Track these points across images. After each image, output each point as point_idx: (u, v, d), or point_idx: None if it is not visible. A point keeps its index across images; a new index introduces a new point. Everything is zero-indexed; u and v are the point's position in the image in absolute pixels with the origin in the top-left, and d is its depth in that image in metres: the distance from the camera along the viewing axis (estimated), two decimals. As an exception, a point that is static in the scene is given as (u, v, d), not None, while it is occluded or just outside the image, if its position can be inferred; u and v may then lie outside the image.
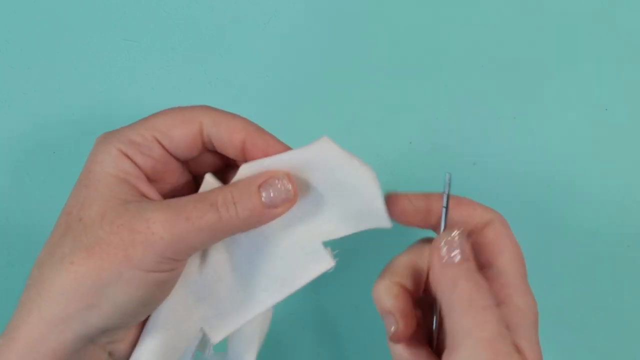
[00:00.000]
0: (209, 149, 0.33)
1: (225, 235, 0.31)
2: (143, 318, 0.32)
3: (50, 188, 0.46)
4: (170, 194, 0.33)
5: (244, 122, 0.32)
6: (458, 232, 0.31)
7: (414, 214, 0.34)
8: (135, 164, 0.31)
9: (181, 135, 0.31)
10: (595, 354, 0.45)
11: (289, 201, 0.31)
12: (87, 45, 0.48)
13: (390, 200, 0.33)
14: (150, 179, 0.32)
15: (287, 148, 0.32)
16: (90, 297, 0.29)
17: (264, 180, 0.31)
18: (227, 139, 0.32)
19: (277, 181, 0.31)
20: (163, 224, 0.29)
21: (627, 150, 0.48)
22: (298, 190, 0.32)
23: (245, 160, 0.32)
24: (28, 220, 0.45)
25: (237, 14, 0.49)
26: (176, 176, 0.33)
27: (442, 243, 0.31)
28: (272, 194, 0.31)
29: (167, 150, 0.32)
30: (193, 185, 0.35)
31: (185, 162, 0.34)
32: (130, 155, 0.31)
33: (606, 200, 0.47)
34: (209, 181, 0.33)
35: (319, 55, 0.49)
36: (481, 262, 0.33)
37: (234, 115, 0.32)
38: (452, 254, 0.31)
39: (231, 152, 0.32)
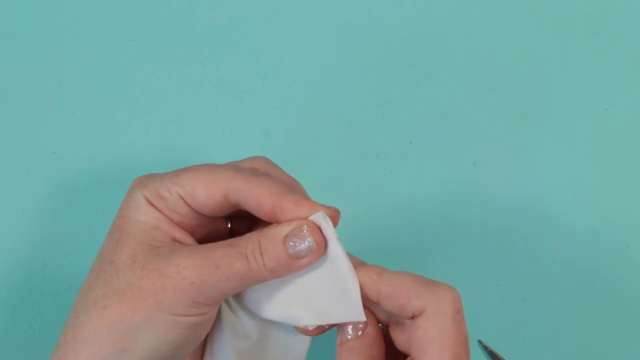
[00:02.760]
0: (236, 209, 0.33)
1: (254, 283, 0.31)
2: None
3: (50, 188, 0.46)
4: (208, 239, 0.33)
5: (270, 186, 0.31)
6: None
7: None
8: (163, 214, 0.31)
9: (204, 197, 0.31)
10: (595, 354, 0.45)
11: (315, 252, 0.31)
12: (87, 45, 0.48)
13: None
14: (183, 228, 0.32)
15: (315, 205, 0.32)
16: (123, 341, 0.29)
17: (291, 231, 0.31)
18: (256, 207, 0.31)
19: (303, 232, 0.31)
20: (192, 270, 0.29)
21: (627, 150, 0.48)
22: (324, 240, 0.32)
23: (277, 221, 0.32)
24: (28, 220, 0.45)
25: (237, 14, 0.49)
26: (209, 226, 0.33)
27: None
28: (298, 245, 0.31)
29: (192, 208, 0.32)
30: (229, 231, 0.35)
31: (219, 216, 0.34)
32: (157, 207, 0.31)
33: (606, 200, 0.47)
34: None
35: (319, 55, 0.49)
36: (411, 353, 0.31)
37: (259, 181, 0.31)
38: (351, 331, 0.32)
39: (260, 215, 0.32)
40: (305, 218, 0.31)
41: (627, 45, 0.50)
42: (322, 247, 0.31)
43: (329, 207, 0.32)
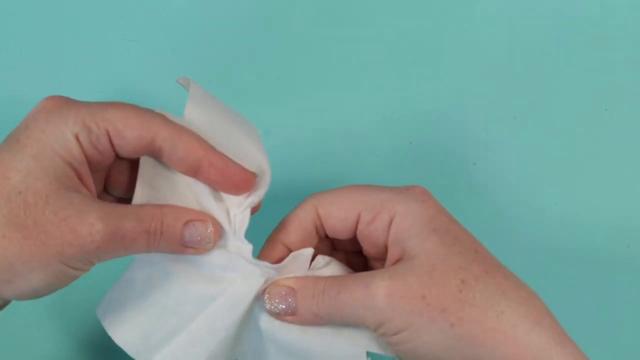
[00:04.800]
0: (153, 154, 0.33)
1: (140, 252, 0.32)
2: (32, 298, 0.33)
3: (50, 188, 0.46)
4: (100, 182, 0.34)
5: (201, 142, 0.32)
6: (269, 290, 0.33)
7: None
8: (84, 152, 0.31)
9: (134, 139, 0.31)
10: (595, 354, 0.45)
11: (204, 250, 0.33)
12: (87, 45, 0.48)
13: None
14: (91, 164, 0.32)
15: (244, 171, 0.32)
16: (12, 274, 0.29)
17: (193, 220, 0.32)
18: (183, 156, 0.32)
19: (203, 228, 0.32)
20: (103, 234, 0.30)
21: (627, 150, 0.48)
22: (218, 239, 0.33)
23: (197, 176, 0.32)
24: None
25: (237, 14, 0.49)
26: (105, 165, 0.33)
27: (275, 312, 0.33)
28: (193, 237, 0.32)
29: (113, 147, 0.32)
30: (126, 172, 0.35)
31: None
32: (81, 140, 0.30)
33: (606, 200, 0.47)
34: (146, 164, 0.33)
35: (319, 56, 0.49)
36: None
37: (190, 133, 0.32)
38: (284, 308, 0.32)
39: (180, 167, 0.32)
40: (211, 216, 0.33)
41: (627, 45, 0.50)
42: (214, 245, 0.33)
43: (253, 173, 0.32)
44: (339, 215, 0.33)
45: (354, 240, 0.34)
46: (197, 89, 0.34)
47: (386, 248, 0.33)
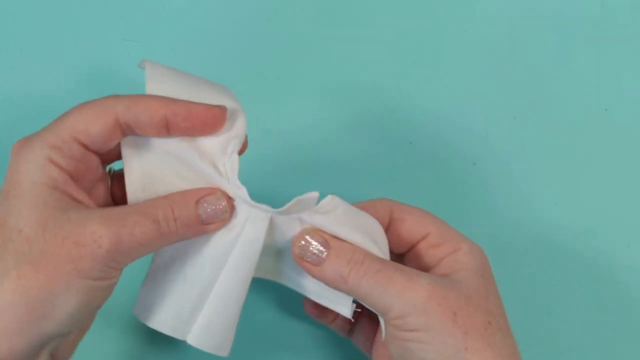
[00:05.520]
0: (125, 134, 0.33)
1: (163, 246, 0.33)
2: (91, 321, 0.34)
3: (50, 188, 0.46)
4: (91, 189, 0.34)
5: (159, 99, 0.32)
6: (304, 236, 0.33)
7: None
8: (61, 168, 0.31)
9: (100, 131, 0.31)
10: (595, 354, 0.45)
11: (223, 220, 0.33)
12: (87, 45, 0.48)
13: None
14: (74, 179, 0.32)
15: (209, 106, 0.32)
16: (42, 309, 0.30)
17: (202, 197, 0.33)
18: (148, 119, 0.32)
19: (214, 199, 0.33)
20: (109, 238, 0.30)
21: (627, 150, 0.48)
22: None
23: (171, 135, 0.33)
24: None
25: (237, 14, 0.49)
26: (94, 170, 0.33)
27: (301, 253, 0.33)
28: (208, 212, 0.33)
29: (87, 148, 0.32)
30: (107, 176, 0.35)
31: (102, 157, 0.34)
32: (54, 160, 0.31)
33: (606, 200, 0.47)
34: (127, 155, 0.33)
35: (319, 56, 0.49)
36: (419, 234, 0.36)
37: (146, 96, 0.32)
38: (315, 253, 0.33)
39: (153, 131, 0.32)
40: (218, 188, 0.33)
41: (627, 45, 0.50)
42: (231, 215, 0.33)
43: (218, 106, 0.32)
44: (410, 226, 0.36)
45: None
46: (155, 67, 0.34)
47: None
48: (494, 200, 0.47)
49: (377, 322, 0.37)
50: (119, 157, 0.34)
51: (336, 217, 0.34)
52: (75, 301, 0.30)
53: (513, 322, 0.45)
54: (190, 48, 0.49)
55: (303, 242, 0.33)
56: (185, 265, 0.34)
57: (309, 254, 0.33)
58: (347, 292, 0.33)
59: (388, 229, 0.36)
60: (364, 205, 0.36)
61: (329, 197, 0.34)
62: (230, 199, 0.33)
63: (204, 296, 0.34)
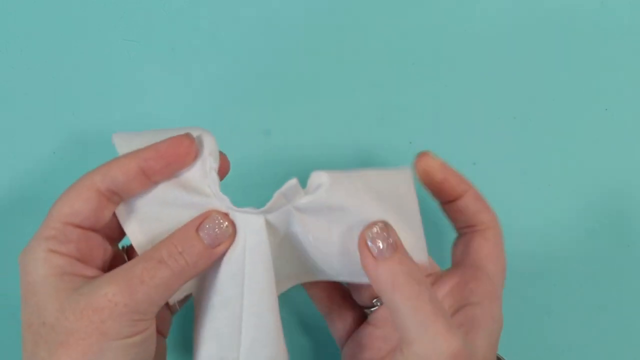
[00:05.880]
0: (117, 202, 0.34)
1: (182, 283, 0.33)
2: None
3: (50, 188, 0.46)
4: (106, 268, 0.34)
5: (128, 155, 0.33)
6: (380, 224, 0.32)
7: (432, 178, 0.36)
8: (62, 254, 0.32)
9: (85, 206, 0.32)
10: (595, 354, 0.45)
11: (230, 237, 0.33)
12: (87, 45, 0.48)
13: (420, 156, 0.36)
14: (82, 261, 0.33)
15: (175, 139, 0.33)
16: None
17: (200, 223, 0.33)
18: (124, 177, 0.32)
19: (213, 221, 0.33)
20: (122, 293, 0.30)
21: (627, 150, 0.48)
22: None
23: (155, 182, 0.33)
24: (28, 220, 0.45)
25: (237, 14, 0.49)
26: (100, 248, 0.34)
27: (368, 239, 0.32)
28: (211, 234, 0.33)
29: (82, 227, 0.33)
30: (119, 254, 0.36)
31: (104, 234, 0.35)
32: (53, 249, 0.32)
33: (606, 200, 0.47)
34: (121, 211, 0.34)
35: (319, 55, 0.49)
36: (467, 260, 0.36)
37: (117, 157, 0.33)
38: (381, 248, 0.32)
39: (136, 186, 0.33)
40: (214, 209, 0.33)
41: (627, 45, 0.50)
42: (235, 231, 0.33)
43: (184, 135, 0.32)
44: (480, 248, 0.37)
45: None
46: (123, 135, 0.35)
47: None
48: (494, 200, 0.47)
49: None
50: (123, 232, 0.35)
51: (326, 190, 0.33)
52: None
53: (513, 322, 0.45)
54: (190, 48, 0.49)
55: (376, 230, 0.32)
56: (210, 294, 0.34)
57: (377, 243, 0.32)
58: (384, 295, 0.32)
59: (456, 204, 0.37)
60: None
61: (312, 175, 0.33)
62: (226, 215, 0.33)
63: (237, 317, 0.34)
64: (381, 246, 0.32)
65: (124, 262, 0.34)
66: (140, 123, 0.47)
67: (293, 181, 0.33)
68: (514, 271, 0.46)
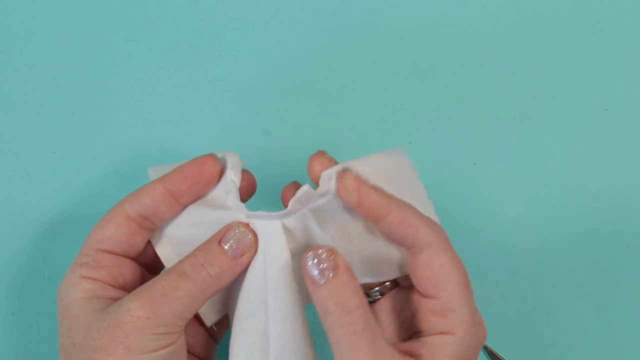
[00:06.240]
0: (150, 229, 0.34)
1: (207, 296, 0.33)
2: None
3: (50, 188, 0.46)
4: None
5: (155, 180, 0.34)
6: (325, 250, 0.32)
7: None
8: (94, 279, 0.33)
9: (116, 232, 0.33)
10: (595, 354, 0.45)
11: (252, 247, 0.34)
12: (87, 45, 0.48)
13: (341, 174, 0.33)
14: (115, 286, 0.34)
15: (199, 159, 0.34)
16: None
17: (222, 235, 0.33)
18: (152, 200, 0.33)
19: (235, 232, 0.33)
20: (143, 307, 0.31)
21: (627, 150, 0.48)
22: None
23: (183, 204, 0.34)
24: (28, 220, 0.45)
25: (237, 14, 0.49)
26: (133, 274, 0.35)
27: (309, 263, 0.32)
28: (234, 246, 0.33)
29: (114, 253, 0.33)
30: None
31: (142, 262, 0.36)
32: (85, 275, 0.33)
33: (606, 200, 0.47)
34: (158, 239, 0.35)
35: (319, 55, 0.49)
36: (423, 291, 0.33)
37: (144, 187, 0.34)
38: (316, 274, 0.31)
39: (165, 209, 0.34)
40: (237, 221, 0.33)
41: (627, 45, 0.50)
42: (257, 241, 0.34)
43: (208, 155, 0.33)
44: (425, 272, 0.33)
45: None
46: (155, 169, 0.36)
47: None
48: (494, 200, 0.47)
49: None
50: (159, 261, 0.36)
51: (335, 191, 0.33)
52: None
53: (513, 322, 0.45)
54: (190, 48, 0.49)
55: (315, 256, 0.32)
56: (237, 304, 0.34)
57: (315, 269, 0.32)
58: (321, 319, 0.32)
59: (409, 256, 0.33)
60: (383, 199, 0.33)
61: (323, 175, 0.33)
62: (247, 225, 0.34)
63: (264, 325, 0.34)
64: (316, 273, 0.31)
65: None
66: (141, 123, 0.47)
67: (306, 187, 0.33)
68: (514, 271, 0.46)
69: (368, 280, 0.36)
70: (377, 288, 0.37)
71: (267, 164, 0.47)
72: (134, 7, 0.49)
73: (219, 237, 0.33)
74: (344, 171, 0.33)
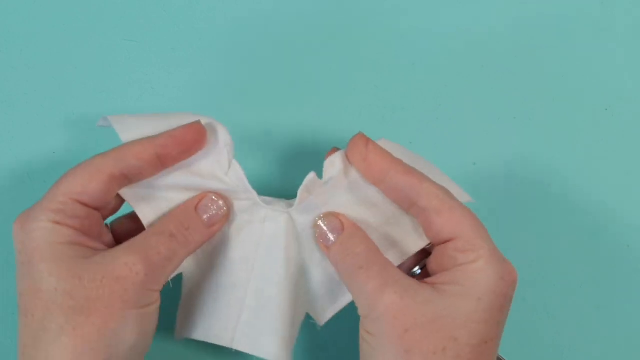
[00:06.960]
0: (123, 186, 0.35)
1: (183, 258, 0.34)
2: (147, 348, 0.34)
3: (50, 188, 0.46)
4: (105, 244, 0.35)
5: (141, 141, 0.34)
6: (330, 213, 0.35)
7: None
8: (69, 226, 0.32)
9: (97, 188, 0.33)
10: (595, 354, 0.45)
11: (224, 217, 0.35)
12: (87, 45, 0.48)
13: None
14: (87, 235, 0.34)
15: (187, 125, 0.34)
16: (107, 349, 0.31)
17: (199, 202, 0.35)
18: (139, 162, 0.33)
19: (210, 202, 0.35)
20: (142, 262, 0.31)
21: (627, 150, 0.48)
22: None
23: (166, 167, 0.34)
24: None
25: (237, 14, 0.49)
26: (99, 225, 0.35)
27: (320, 223, 0.35)
28: (209, 214, 0.35)
29: (88, 206, 0.33)
30: (107, 229, 0.37)
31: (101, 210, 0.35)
32: (61, 222, 0.32)
33: (606, 200, 0.47)
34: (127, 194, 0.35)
35: (319, 55, 0.49)
36: (443, 240, 0.34)
37: (129, 143, 0.34)
38: (327, 237, 0.34)
39: (149, 170, 0.34)
40: (209, 191, 0.35)
41: (627, 45, 0.50)
42: (229, 211, 0.35)
43: (194, 122, 0.34)
44: (444, 222, 0.34)
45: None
46: (119, 119, 0.36)
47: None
48: (494, 201, 0.47)
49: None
50: (114, 210, 0.36)
51: (339, 172, 0.35)
52: (133, 332, 0.31)
53: (513, 322, 0.45)
54: (190, 48, 0.49)
55: (319, 222, 0.35)
56: (216, 274, 0.35)
57: (324, 234, 0.34)
58: (340, 274, 0.34)
59: (419, 215, 0.34)
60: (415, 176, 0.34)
61: (327, 162, 0.35)
62: (220, 195, 0.35)
63: (240, 300, 0.35)
64: (326, 230, 0.34)
65: (111, 238, 0.35)
66: (140, 123, 0.47)
67: (311, 175, 0.34)
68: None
69: (390, 256, 0.36)
70: (417, 267, 0.37)
71: (267, 164, 0.47)
72: (134, 7, 0.49)
73: (195, 204, 0.34)
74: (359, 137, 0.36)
